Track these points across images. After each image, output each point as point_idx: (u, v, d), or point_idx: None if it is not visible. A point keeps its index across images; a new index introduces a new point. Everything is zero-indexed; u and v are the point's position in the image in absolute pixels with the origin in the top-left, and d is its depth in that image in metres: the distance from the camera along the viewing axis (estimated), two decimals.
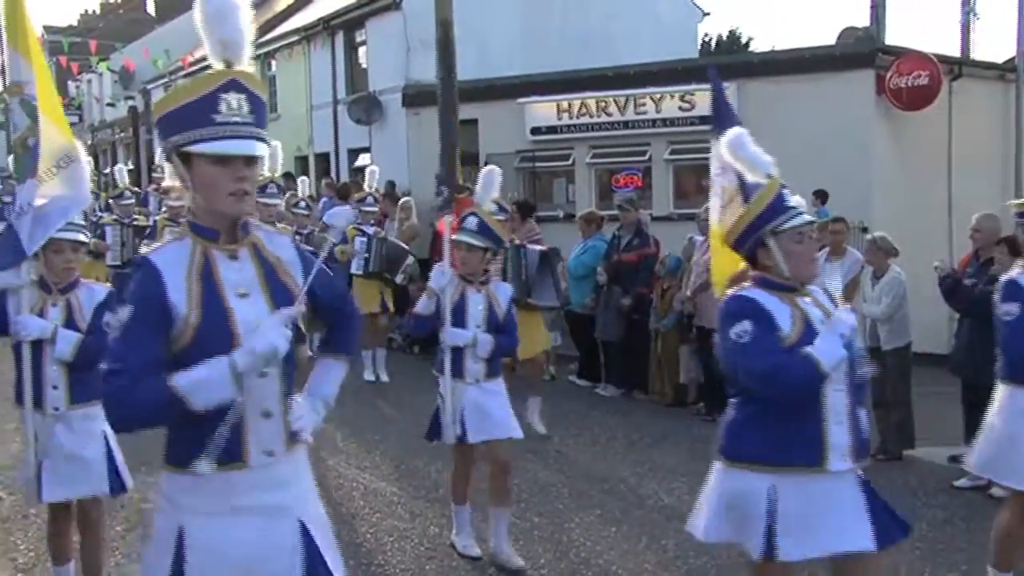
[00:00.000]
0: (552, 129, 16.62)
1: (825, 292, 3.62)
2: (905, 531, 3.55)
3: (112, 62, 32.16)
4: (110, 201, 12.61)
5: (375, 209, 11.24)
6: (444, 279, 5.46)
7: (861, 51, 14.53)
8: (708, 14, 24.41)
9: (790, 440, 3.36)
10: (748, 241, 3.52)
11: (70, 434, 4.48)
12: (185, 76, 30.07)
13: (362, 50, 21.53)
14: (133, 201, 12.76)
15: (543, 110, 16.60)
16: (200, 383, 2.44)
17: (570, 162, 16.61)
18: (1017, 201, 5.55)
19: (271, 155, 7.68)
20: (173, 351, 2.55)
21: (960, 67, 15.53)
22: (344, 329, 3.04)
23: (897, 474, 7.43)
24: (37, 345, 4.42)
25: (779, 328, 3.34)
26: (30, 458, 4.44)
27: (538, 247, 8.94)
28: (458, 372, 5.44)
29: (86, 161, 4.63)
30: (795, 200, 3.54)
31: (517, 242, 8.70)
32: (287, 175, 14.96)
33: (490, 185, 5.71)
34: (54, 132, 4.56)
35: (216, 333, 2.55)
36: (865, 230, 10.91)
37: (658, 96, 15.40)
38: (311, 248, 3.69)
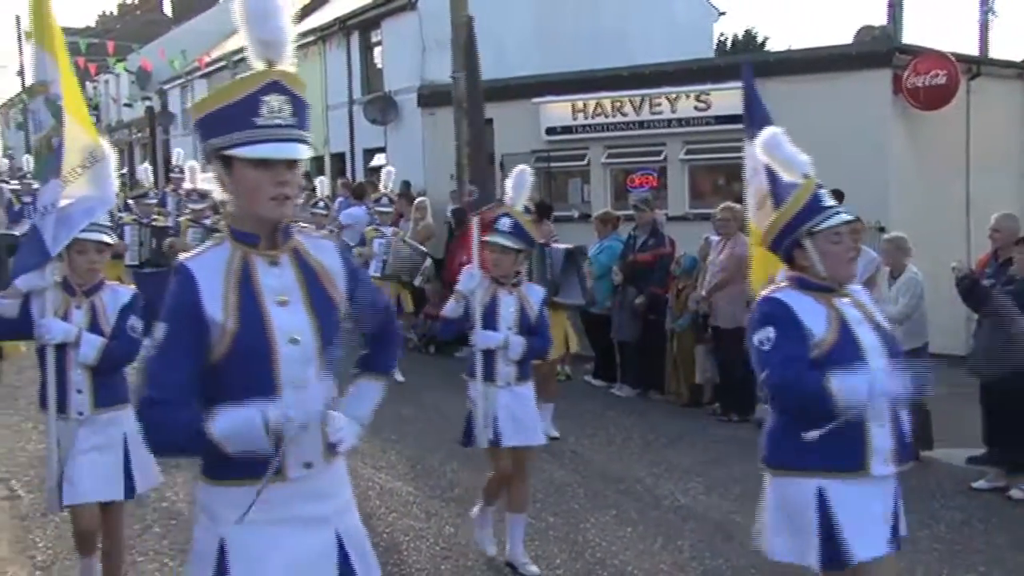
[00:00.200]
0: (567, 129, 16.60)
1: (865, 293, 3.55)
2: (899, 544, 3.51)
3: (129, 63, 32.36)
4: (129, 201, 12.67)
5: (390, 210, 11.25)
6: (473, 281, 5.37)
7: (878, 50, 14.45)
8: (724, 14, 24.36)
9: (831, 444, 3.26)
10: (784, 242, 3.47)
11: (92, 437, 4.43)
12: (201, 76, 30.25)
13: (377, 50, 21.57)
14: (156, 202, 12.83)
15: (558, 110, 16.58)
16: (235, 434, 2.38)
17: (585, 162, 16.58)
18: None
19: None
20: (211, 359, 2.51)
21: (978, 66, 15.42)
22: (385, 349, 2.96)
23: (915, 476, 7.36)
24: (61, 349, 4.37)
25: (808, 334, 3.29)
26: (53, 464, 4.40)
27: (563, 245, 8.88)
28: (489, 376, 5.35)
29: (112, 160, 4.56)
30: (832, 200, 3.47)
31: (542, 241, 8.67)
32: (305, 175, 15.01)
33: (522, 186, 5.56)
34: (79, 131, 4.49)
35: (253, 341, 2.51)
36: (882, 230, 10.85)
37: (673, 96, 15.36)
38: None
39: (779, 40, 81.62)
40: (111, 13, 50.95)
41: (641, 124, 15.80)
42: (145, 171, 15.36)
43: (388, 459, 7.65)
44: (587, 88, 16.28)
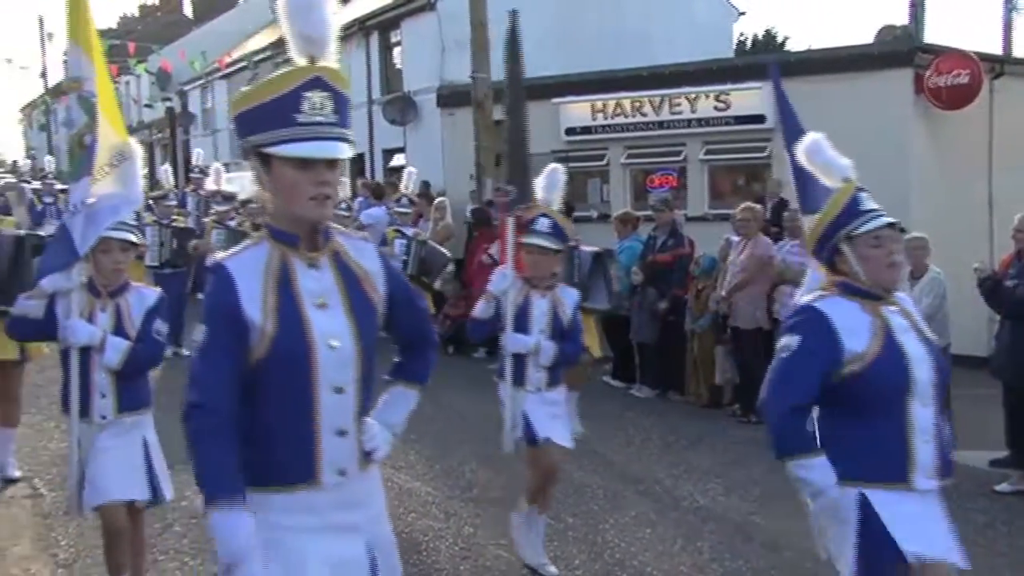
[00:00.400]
0: (587, 129, 16.57)
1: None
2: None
3: (149, 64, 32.53)
4: (150, 201, 12.76)
5: (409, 211, 11.24)
6: (506, 282, 5.23)
7: (899, 50, 14.36)
8: (744, 13, 24.30)
9: (873, 456, 3.18)
10: (825, 248, 3.38)
11: (113, 439, 4.38)
12: (221, 77, 30.39)
13: (397, 51, 21.61)
14: (175, 203, 12.90)
15: (578, 110, 16.56)
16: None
17: (605, 162, 16.56)
18: None
19: None
20: (251, 362, 2.48)
21: (1002, 65, 15.28)
22: (421, 356, 2.90)
23: None
24: (85, 351, 4.32)
25: (842, 350, 3.16)
26: (74, 470, 4.36)
27: (592, 248, 8.80)
28: (519, 380, 5.22)
29: (139, 159, 4.53)
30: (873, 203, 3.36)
31: (572, 243, 8.59)
32: None
33: (555, 184, 5.43)
34: (109, 130, 4.44)
35: (292, 345, 2.47)
36: (903, 231, 10.74)
37: (693, 96, 15.31)
38: None
39: (799, 40, 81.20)
40: (132, 15, 51.28)
41: (661, 124, 15.76)
42: (164, 172, 15.47)
43: (407, 459, 7.65)
44: (607, 88, 16.25)
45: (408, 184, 12.05)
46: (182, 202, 15.62)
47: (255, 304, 2.47)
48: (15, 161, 45.35)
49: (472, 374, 10.58)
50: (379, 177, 20.07)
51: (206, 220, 12.80)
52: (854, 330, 3.19)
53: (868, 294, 3.28)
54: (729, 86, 14.81)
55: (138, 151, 4.52)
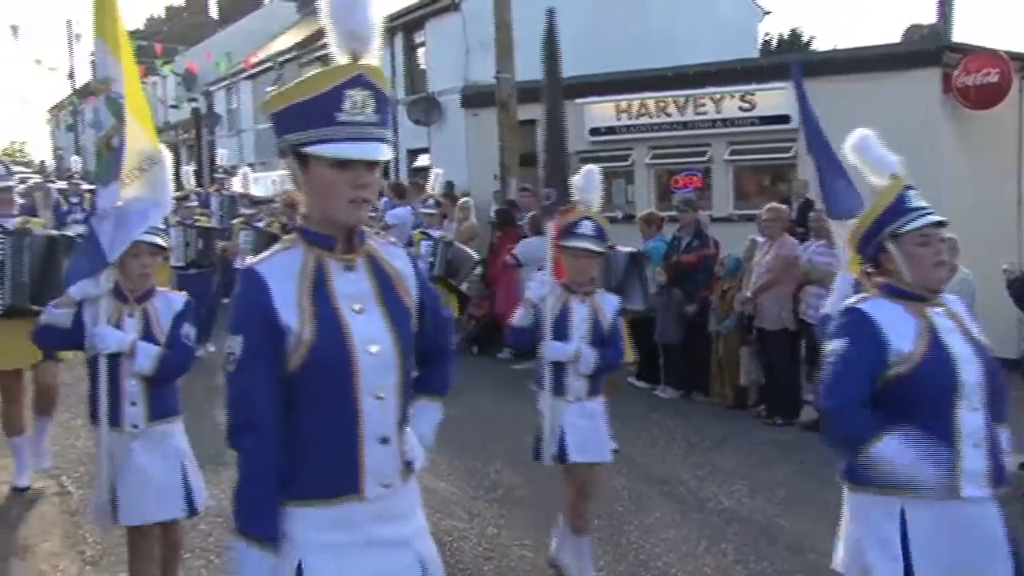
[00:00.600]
0: (611, 130, 16.56)
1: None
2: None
3: (176, 65, 32.79)
4: (175, 202, 12.84)
5: (435, 211, 11.23)
6: (544, 288, 5.05)
7: (927, 49, 14.25)
8: (769, 13, 24.22)
9: (919, 463, 3.05)
10: (869, 245, 3.29)
11: (147, 454, 4.25)
12: (247, 78, 30.58)
13: (421, 51, 21.68)
14: (197, 204, 12.97)
15: (602, 111, 16.55)
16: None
17: (629, 163, 16.53)
18: None
19: None
20: (288, 371, 2.38)
21: None
22: (443, 367, 2.84)
23: None
24: (114, 359, 4.20)
25: (890, 352, 3.07)
26: (104, 480, 4.24)
27: (627, 249, 8.70)
28: (558, 389, 5.03)
29: (169, 165, 4.42)
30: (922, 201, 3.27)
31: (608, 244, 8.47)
32: None
33: (593, 185, 5.23)
34: (139, 132, 4.32)
35: (332, 351, 2.38)
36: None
37: (718, 96, 15.27)
38: None
39: (825, 40, 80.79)
40: (159, 16, 51.68)
41: (685, 125, 15.73)
42: (186, 173, 15.55)
43: (430, 459, 7.55)
44: (631, 89, 16.23)
45: (434, 185, 12.06)
46: (205, 202, 15.70)
47: (291, 309, 2.38)
48: (42, 161, 45.79)
49: (496, 374, 10.60)
50: (403, 178, 20.12)
51: (234, 222, 12.86)
52: (900, 331, 3.11)
53: (912, 295, 3.19)
54: (754, 86, 14.75)
55: (168, 156, 4.44)
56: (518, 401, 8.62)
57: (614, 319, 5.08)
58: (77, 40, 40.97)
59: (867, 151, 3.46)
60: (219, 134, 33.42)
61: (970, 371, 3.11)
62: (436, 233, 10.89)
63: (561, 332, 4.99)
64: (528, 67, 14.51)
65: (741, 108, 15.04)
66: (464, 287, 11.05)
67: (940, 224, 3.23)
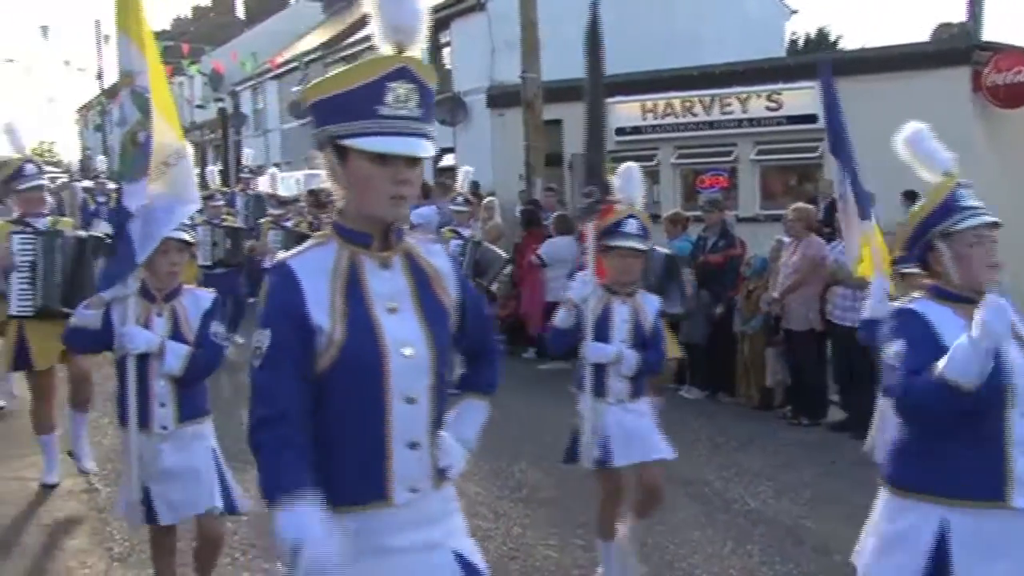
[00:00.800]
0: (637, 129, 16.54)
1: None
2: None
3: (202, 65, 32.99)
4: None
5: (466, 209, 11.16)
6: (586, 289, 4.89)
7: (956, 48, 14.14)
8: (796, 12, 24.10)
9: (965, 469, 2.94)
10: (918, 244, 3.18)
11: (178, 454, 4.20)
12: (272, 78, 30.74)
13: (447, 51, 21.71)
14: (223, 203, 13.03)
15: (628, 110, 16.52)
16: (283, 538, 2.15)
17: (655, 162, 16.48)
18: None
19: None
20: (317, 371, 2.29)
21: None
22: (489, 364, 2.75)
23: None
24: (143, 360, 4.13)
25: (942, 346, 2.92)
26: (134, 482, 4.16)
27: (663, 250, 8.43)
28: (600, 391, 4.90)
29: (191, 160, 4.36)
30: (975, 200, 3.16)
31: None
32: None
33: (635, 183, 5.12)
34: (165, 128, 4.22)
35: (363, 352, 2.29)
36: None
37: (744, 96, 15.22)
38: None
39: (853, 39, 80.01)
40: (185, 16, 52.06)
41: (711, 124, 15.69)
42: (211, 173, 15.64)
43: None
44: (657, 88, 16.20)
45: (463, 183, 12.06)
46: (231, 202, 15.79)
47: (322, 308, 2.29)
48: (68, 161, 46.22)
49: (522, 374, 10.59)
50: (428, 177, 20.15)
51: (261, 221, 12.91)
52: (951, 334, 2.95)
53: (960, 298, 3.06)
54: (781, 85, 14.71)
55: (190, 151, 4.38)
56: (544, 401, 8.62)
57: (655, 320, 4.99)
58: (106, 41, 41.23)
59: (920, 144, 3.36)
60: (245, 134, 33.62)
61: (1022, 377, 2.97)
62: (466, 232, 10.86)
63: (602, 333, 4.89)
64: (554, 67, 14.55)
65: (768, 108, 14.99)
66: (494, 287, 11.02)
67: (995, 225, 3.11)
